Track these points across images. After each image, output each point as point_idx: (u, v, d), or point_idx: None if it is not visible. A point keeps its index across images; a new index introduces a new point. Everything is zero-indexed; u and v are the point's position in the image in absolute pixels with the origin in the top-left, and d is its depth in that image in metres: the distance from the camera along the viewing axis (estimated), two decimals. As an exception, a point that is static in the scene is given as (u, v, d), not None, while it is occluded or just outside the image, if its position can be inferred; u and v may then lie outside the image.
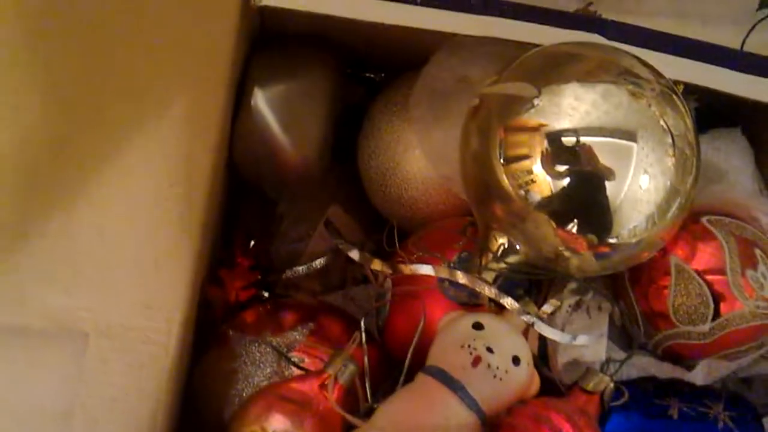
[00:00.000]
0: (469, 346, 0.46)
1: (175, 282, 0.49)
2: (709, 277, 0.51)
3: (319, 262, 0.62)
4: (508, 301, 0.49)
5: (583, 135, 0.45)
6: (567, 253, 0.48)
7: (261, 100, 0.56)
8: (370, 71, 0.67)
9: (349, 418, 0.46)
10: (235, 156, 0.57)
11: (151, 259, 0.49)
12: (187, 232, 0.50)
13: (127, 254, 0.49)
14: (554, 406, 0.47)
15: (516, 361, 0.47)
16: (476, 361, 0.46)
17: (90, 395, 0.47)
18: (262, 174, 0.58)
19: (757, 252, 0.52)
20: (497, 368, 0.46)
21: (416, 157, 0.59)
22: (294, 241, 0.63)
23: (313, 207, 0.64)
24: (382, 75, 0.66)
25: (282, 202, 0.64)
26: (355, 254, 0.54)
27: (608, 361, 0.52)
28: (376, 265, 0.53)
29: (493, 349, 0.46)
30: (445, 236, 0.56)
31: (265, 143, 0.57)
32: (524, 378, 0.47)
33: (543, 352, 0.53)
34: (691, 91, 0.54)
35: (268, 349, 0.53)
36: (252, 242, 0.62)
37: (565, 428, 0.46)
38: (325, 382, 0.48)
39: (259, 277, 0.59)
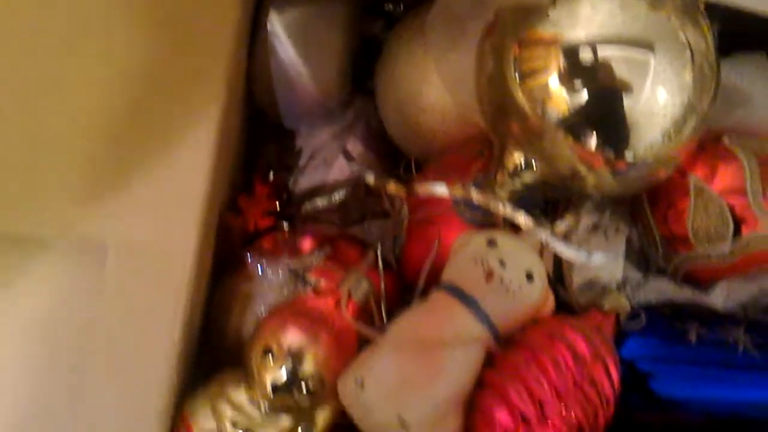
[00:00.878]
0: (482, 261, 0.46)
1: (193, 201, 0.50)
2: (730, 198, 0.50)
3: (338, 196, 0.63)
4: (522, 218, 0.48)
5: (599, 47, 0.45)
6: (583, 171, 0.47)
7: (278, 26, 0.56)
8: (389, 4, 0.66)
9: (364, 329, 0.47)
10: (251, 82, 0.57)
11: (170, 178, 0.50)
12: (204, 153, 0.50)
13: (148, 172, 0.50)
14: (569, 323, 0.47)
15: (530, 277, 0.46)
16: (489, 275, 0.46)
17: (109, 309, 0.47)
18: (280, 102, 0.58)
19: (780, 172, 0.51)
20: (510, 282, 0.46)
21: (434, 86, 0.58)
22: (312, 174, 0.63)
23: (331, 139, 0.64)
24: (401, 7, 0.66)
25: (300, 135, 0.64)
26: (370, 178, 0.54)
27: (625, 282, 0.51)
28: (392, 187, 0.53)
29: (506, 264, 0.46)
30: (461, 160, 0.55)
31: (281, 70, 0.57)
32: (538, 295, 0.47)
33: (558, 273, 0.53)
34: (714, 12, 0.53)
35: (285, 272, 0.54)
36: (272, 173, 0.62)
37: (579, 344, 0.46)
38: (340, 299, 0.49)
39: (278, 204, 0.60)
